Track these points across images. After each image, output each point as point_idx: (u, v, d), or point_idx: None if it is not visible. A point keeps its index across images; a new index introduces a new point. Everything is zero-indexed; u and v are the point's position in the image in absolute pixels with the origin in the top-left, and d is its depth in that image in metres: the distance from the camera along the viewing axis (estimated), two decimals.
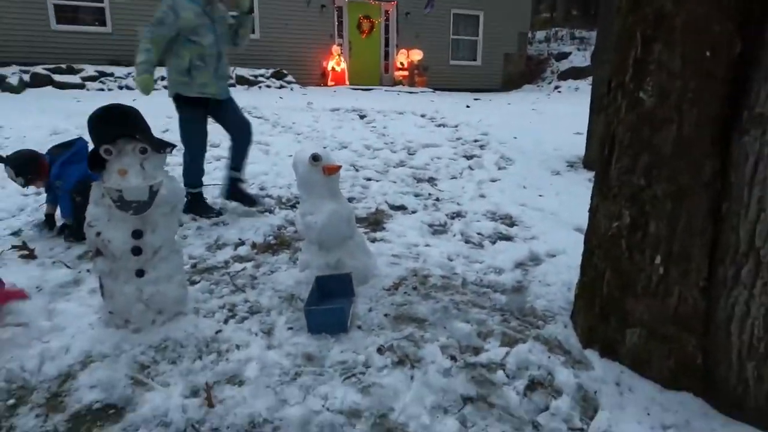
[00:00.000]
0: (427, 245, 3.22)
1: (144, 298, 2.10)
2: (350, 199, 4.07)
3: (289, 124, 7.02)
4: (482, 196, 4.40)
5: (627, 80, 1.85)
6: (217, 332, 2.20)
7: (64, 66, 10.44)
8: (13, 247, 2.88)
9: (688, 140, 1.71)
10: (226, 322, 2.30)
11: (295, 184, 4.23)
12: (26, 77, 9.80)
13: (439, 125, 7.46)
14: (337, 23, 14.17)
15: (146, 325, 2.15)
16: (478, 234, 3.51)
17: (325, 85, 13.65)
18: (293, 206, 3.95)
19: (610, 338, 2.01)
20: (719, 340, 1.75)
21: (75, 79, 10.23)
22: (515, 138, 6.40)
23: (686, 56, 1.67)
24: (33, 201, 3.86)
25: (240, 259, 3.00)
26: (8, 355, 1.95)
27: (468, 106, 9.93)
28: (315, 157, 2.48)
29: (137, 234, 2.05)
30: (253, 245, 3.19)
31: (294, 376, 1.94)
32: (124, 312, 2.11)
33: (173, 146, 2.15)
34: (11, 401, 1.80)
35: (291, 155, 5.16)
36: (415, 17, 14.80)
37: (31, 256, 2.82)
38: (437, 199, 4.26)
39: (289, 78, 12.67)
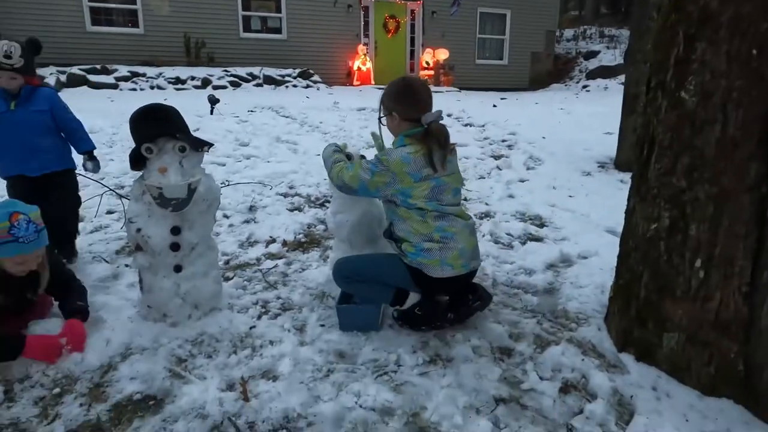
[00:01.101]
0: None
1: (181, 293, 2.16)
2: None
3: (316, 123, 7.08)
4: (511, 196, 4.36)
5: (668, 79, 1.82)
6: (251, 328, 2.24)
7: (98, 66, 10.73)
8: None
9: (733, 142, 1.67)
10: (259, 318, 2.34)
11: (324, 183, 4.29)
12: (63, 78, 10.11)
13: (466, 125, 7.42)
14: (363, 23, 14.21)
15: (183, 320, 2.21)
16: (508, 234, 3.48)
17: (351, 84, 13.71)
18: (322, 204, 3.99)
19: (646, 342, 1.98)
20: (761, 347, 1.70)
21: (109, 79, 10.51)
22: (544, 138, 6.32)
23: (732, 55, 1.63)
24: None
25: (271, 256, 3.05)
26: None
27: (495, 106, 9.85)
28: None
29: (176, 230, 2.10)
30: (284, 243, 3.23)
31: (326, 372, 1.97)
32: (162, 306, 2.16)
33: (211, 144, 2.20)
34: (57, 390, 1.87)
35: (319, 154, 5.20)
36: (441, 16, 14.74)
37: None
38: (465, 199, 4.24)
39: (316, 77, 12.76)
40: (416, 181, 2.06)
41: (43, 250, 2.06)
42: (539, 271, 2.88)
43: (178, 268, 2.15)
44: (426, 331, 2.20)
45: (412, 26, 15.09)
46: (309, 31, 13.27)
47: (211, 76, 11.37)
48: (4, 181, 2.84)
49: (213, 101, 7.42)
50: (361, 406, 1.78)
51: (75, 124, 2.87)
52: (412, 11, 14.95)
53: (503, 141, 6.25)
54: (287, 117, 7.50)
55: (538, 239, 3.42)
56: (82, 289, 2.28)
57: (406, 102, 2.16)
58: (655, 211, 1.90)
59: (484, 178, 4.90)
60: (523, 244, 3.33)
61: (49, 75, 10.09)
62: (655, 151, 1.89)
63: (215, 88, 10.93)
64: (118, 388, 1.88)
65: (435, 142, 2.09)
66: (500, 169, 5.12)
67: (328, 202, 3.88)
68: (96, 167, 2.95)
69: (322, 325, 2.27)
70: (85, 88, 10.14)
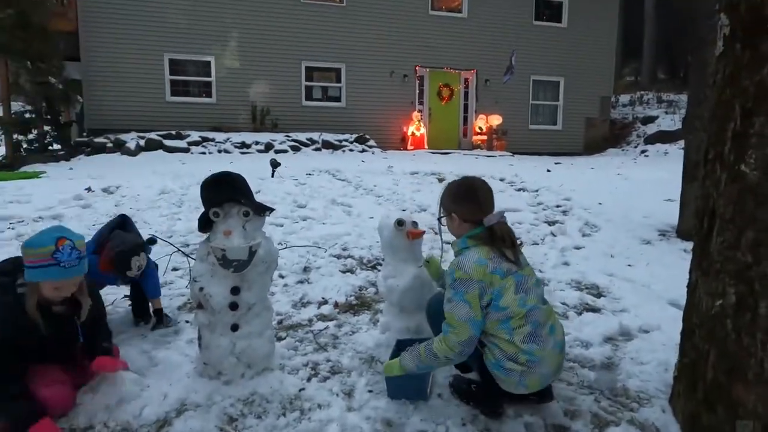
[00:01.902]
0: None
1: (236, 352, 2.23)
2: None
3: (370, 186, 7.29)
4: (566, 263, 4.26)
5: (726, 152, 1.79)
6: (300, 390, 2.26)
7: (173, 132, 11.68)
8: (125, 296, 3.17)
9: None
10: (309, 380, 2.36)
11: (376, 245, 4.37)
12: (142, 142, 11.05)
13: (519, 189, 7.41)
14: (417, 91, 14.81)
15: (236, 378, 2.26)
16: (562, 304, 3.38)
17: (405, 149, 14.12)
18: (374, 267, 4.04)
19: (717, 429, 1.83)
20: None
21: (182, 143, 11.38)
22: (600, 204, 6.19)
23: None
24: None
25: (323, 317, 3.10)
26: (115, 398, 2.12)
27: (549, 170, 9.80)
28: (399, 222, 2.57)
29: (235, 290, 2.21)
30: (336, 304, 3.28)
31: None
32: (217, 364, 2.24)
33: (272, 210, 2.33)
34: None
35: (372, 217, 5.31)
36: (494, 84, 15.14)
37: None
38: None
39: (371, 142, 13.26)
40: (502, 277, 1.93)
41: (82, 279, 2.11)
42: (596, 344, 2.76)
43: (235, 327, 2.24)
44: (474, 408, 2.13)
45: (466, 93, 15.56)
46: (366, 99, 13.97)
47: (274, 140, 12.07)
48: None
49: (274, 165, 7.85)
50: None
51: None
52: (466, 80, 15.46)
53: (557, 206, 6.17)
54: (343, 180, 7.78)
55: (595, 310, 3.29)
56: (108, 330, 2.36)
57: (467, 203, 2.07)
58: (719, 287, 1.81)
59: (537, 244, 4.83)
60: (579, 314, 3.21)
61: (130, 140, 11.07)
62: (717, 225, 1.83)
63: (277, 152, 11.57)
64: None
65: (502, 244, 1.99)
66: (554, 236, 5.04)
67: (380, 264, 3.94)
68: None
69: (371, 391, 2.26)
70: (160, 151, 11.02)
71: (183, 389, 2.23)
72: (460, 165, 9.93)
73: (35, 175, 8.29)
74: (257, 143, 11.91)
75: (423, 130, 14.47)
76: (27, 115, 12.37)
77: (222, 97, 13.02)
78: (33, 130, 12.23)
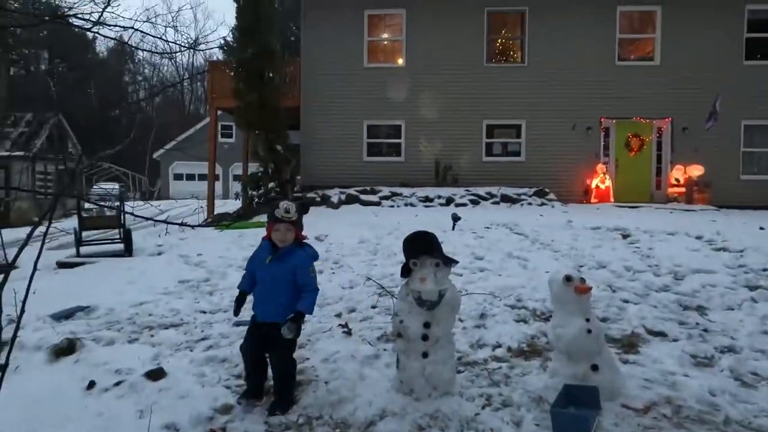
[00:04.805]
0: (686, 375, 3.14)
1: (425, 375, 2.79)
2: (604, 319, 4.19)
3: (547, 241, 7.44)
4: (766, 333, 3.93)
5: None
6: (475, 414, 2.70)
7: (368, 188, 13.35)
8: (339, 325, 4.02)
9: None
10: (483, 408, 2.79)
11: (549, 299, 4.59)
12: (343, 197, 12.88)
13: (718, 249, 6.77)
14: (602, 143, 14.35)
15: (424, 397, 2.81)
16: (753, 374, 3.21)
17: (588, 202, 13.67)
18: (546, 319, 4.29)
19: None
20: None
21: (374, 198, 12.92)
22: None
23: None
24: (347, 293, 5.17)
25: (497, 359, 3.50)
26: (338, 402, 2.83)
27: (762, 228, 8.64)
28: (567, 278, 2.90)
29: (427, 325, 2.79)
30: (509, 349, 3.65)
31: None
32: (411, 383, 2.82)
33: (457, 262, 2.90)
34: (337, 430, 2.63)
35: (547, 272, 5.56)
36: (694, 132, 13.86)
37: (349, 333, 3.91)
38: (705, 330, 4.00)
39: (551, 195, 13.20)
40: None
41: None
42: None
43: (425, 355, 2.81)
44: None
45: (659, 143, 14.51)
46: (547, 152, 14.03)
47: (455, 195, 12.91)
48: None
49: (455, 219, 8.53)
50: None
51: (311, 287, 2.95)
52: (659, 128, 14.47)
53: (765, 270, 5.56)
54: (520, 234, 8.07)
55: None
56: None
57: None
58: None
59: (733, 309, 4.49)
60: None
61: (334, 195, 12.98)
62: None
63: (457, 205, 12.34)
64: None
65: None
66: (756, 302, 4.61)
67: (552, 316, 4.18)
68: (294, 331, 2.81)
69: (537, 425, 2.59)
70: (357, 204, 12.68)
71: (384, 400, 2.85)
72: (648, 220, 9.37)
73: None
74: (439, 197, 12.87)
75: (608, 183, 13.86)
76: (259, 175, 15.38)
77: (409, 155, 14.44)
78: (262, 187, 15.13)
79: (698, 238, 7.59)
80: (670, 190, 13.98)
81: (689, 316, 4.33)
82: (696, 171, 13.66)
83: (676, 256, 6.26)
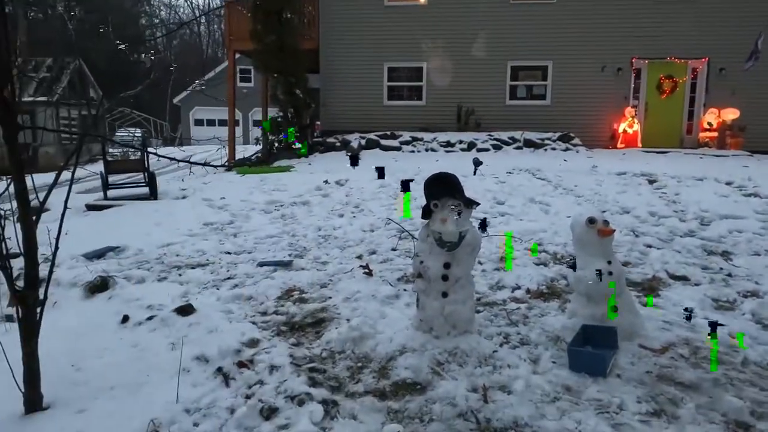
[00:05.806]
0: (706, 318, 3.14)
1: (445, 314, 2.84)
2: (626, 263, 4.17)
3: (570, 186, 7.32)
4: None
5: None
6: (493, 351, 2.77)
7: (388, 132, 13.18)
8: (361, 266, 4.10)
9: None
10: (501, 345, 2.85)
11: (571, 243, 4.57)
12: (363, 142, 12.77)
13: (748, 195, 6.59)
14: (633, 85, 13.77)
15: (443, 335, 2.88)
16: None
17: (614, 147, 13.30)
18: (566, 262, 4.29)
19: None
20: None
21: (395, 143, 12.78)
22: None
23: None
24: (368, 236, 5.23)
25: (516, 300, 3.54)
26: (360, 338, 2.92)
27: None
28: (591, 220, 2.87)
29: (447, 265, 2.82)
30: (528, 290, 3.69)
31: (553, 399, 2.35)
32: (430, 321, 2.88)
33: (478, 203, 2.88)
34: (359, 364, 2.73)
35: (569, 216, 5.51)
36: (731, 73, 13.16)
37: (370, 274, 3.98)
38: (729, 275, 3.96)
39: (576, 141, 12.87)
40: None
41: None
42: None
43: (445, 294, 2.85)
44: None
45: (693, 85, 13.85)
46: (573, 96, 13.55)
47: (477, 140, 12.67)
48: None
49: (477, 164, 8.42)
50: None
51: None
52: (694, 69, 13.77)
53: None
54: (542, 179, 7.95)
55: None
56: None
57: None
58: None
59: (759, 255, 4.42)
60: None
61: (354, 140, 12.87)
62: None
63: (479, 150, 12.14)
64: (396, 372, 2.63)
65: None
66: None
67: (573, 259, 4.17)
68: None
69: (554, 362, 2.64)
70: (377, 149, 12.57)
71: (404, 337, 2.94)
72: (677, 166, 9.11)
73: (287, 169, 10.39)
74: (461, 142, 12.66)
75: (637, 127, 13.41)
76: (278, 120, 15.27)
77: (431, 99, 14.11)
78: (282, 132, 15.05)
79: (728, 183, 7.39)
80: (702, 134, 13.48)
81: (713, 261, 4.28)
82: (731, 114, 13.09)
83: (704, 201, 6.12)
